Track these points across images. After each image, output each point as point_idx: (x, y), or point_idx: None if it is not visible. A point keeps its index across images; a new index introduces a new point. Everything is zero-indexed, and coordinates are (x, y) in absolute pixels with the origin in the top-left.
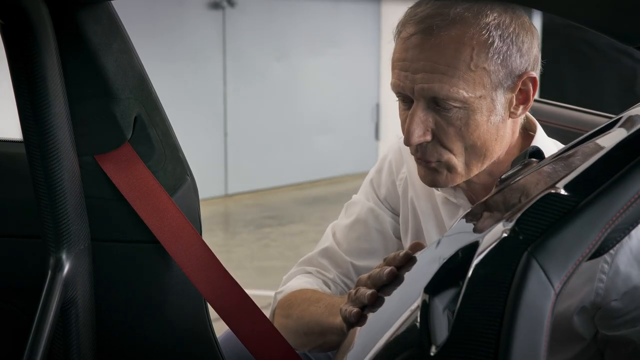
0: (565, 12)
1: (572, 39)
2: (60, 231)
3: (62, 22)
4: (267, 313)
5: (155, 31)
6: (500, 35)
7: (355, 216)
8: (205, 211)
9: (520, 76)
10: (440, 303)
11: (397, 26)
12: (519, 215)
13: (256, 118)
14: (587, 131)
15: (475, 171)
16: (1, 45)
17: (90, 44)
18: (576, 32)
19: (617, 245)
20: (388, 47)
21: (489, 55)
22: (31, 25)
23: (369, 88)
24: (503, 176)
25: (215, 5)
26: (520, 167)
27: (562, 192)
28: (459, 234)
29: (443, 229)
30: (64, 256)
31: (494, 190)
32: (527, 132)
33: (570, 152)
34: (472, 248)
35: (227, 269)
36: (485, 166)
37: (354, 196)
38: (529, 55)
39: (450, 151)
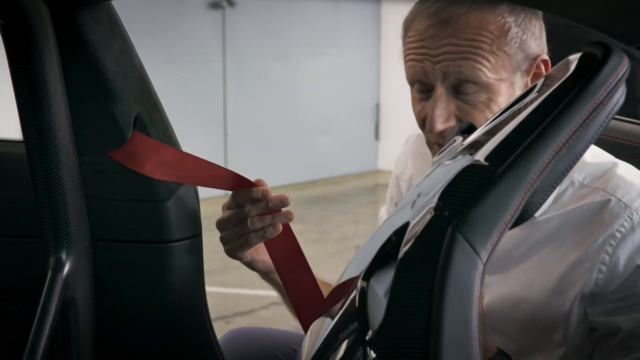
0: (565, 12)
1: (572, 39)
2: (60, 231)
3: (62, 22)
4: (267, 313)
5: (155, 31)
6: (514, 20)
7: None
8: (205, 211)
9: (534, 59)
10: (379, 287)
11: (405, 23)
12: (441, 191)
13: (256, 118)
14: None
15: None
16: (1, 45)
17: (90, 44)
18: (576, 32)
19: (619, 237)
20: (388, 47)
21: (508, 39)
22: (31, 26)
23: (369, 88)
24: (435, 157)
25: (215, 5)
26: (450, 144)
27: (481, 162)
28: (395, 216)
29: None
30: (64, 256)
31: (428, 171)
32: None
33: (493, 123)
34: (403, 229)
35: (226, 269)
36: None
37: (382, 209)
38: (541, 39)
39: None
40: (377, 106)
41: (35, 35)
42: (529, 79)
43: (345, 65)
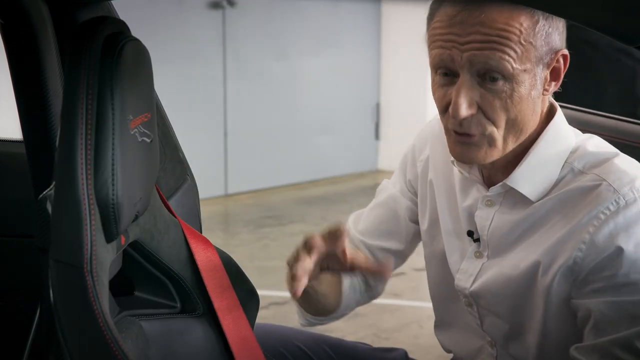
0: (566, 12)
1: (572, 39)
2: None
3: (62, 22)
4: (267, 313)
5: (155, 31)
6: (542, 14)
7: (377, 200)
8: (205, 211)
9: (556, 53)
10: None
11: (432, 7)
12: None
13: (256, 118)
14: (588, 131)
15: (511, 146)
16: (1, 45)
17: None
18: (577, 32)
19: (602, 218)
20: (388, 47)
21: (536, 30)
22: (32, 25)
23: (369, 88)
24: None
25: (215, 5)
26: None
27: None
28: None
29: (454, 207)
30: None
31: None
32: (549, 114)
33: None
34: None
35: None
36: (519, 142)
37: (384, 181)
38: (563, 34)
39: (494, 123)
40: (378, 106)
41: (36, 35)
42: (548, 71)
43: (345, 65)
